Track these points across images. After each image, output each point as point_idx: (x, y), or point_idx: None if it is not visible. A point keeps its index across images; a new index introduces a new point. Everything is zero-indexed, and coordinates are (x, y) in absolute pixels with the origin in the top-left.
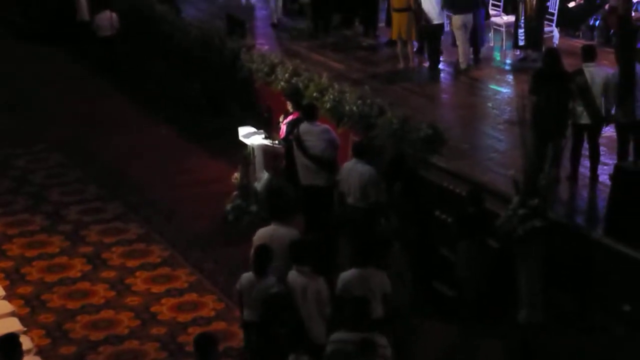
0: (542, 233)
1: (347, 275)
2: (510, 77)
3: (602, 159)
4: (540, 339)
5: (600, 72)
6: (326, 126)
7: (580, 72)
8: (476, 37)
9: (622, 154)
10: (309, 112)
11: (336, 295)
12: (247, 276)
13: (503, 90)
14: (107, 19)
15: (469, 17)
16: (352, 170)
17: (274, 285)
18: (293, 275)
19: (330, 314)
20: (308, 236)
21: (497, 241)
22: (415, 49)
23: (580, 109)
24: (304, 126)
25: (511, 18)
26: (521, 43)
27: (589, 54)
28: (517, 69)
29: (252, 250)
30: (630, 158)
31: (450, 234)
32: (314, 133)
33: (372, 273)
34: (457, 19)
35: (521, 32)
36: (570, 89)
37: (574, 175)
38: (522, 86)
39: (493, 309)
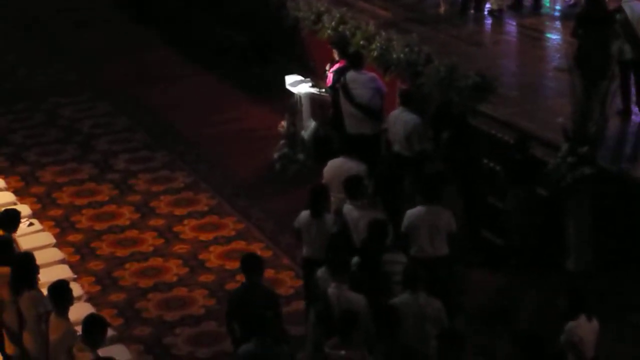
0: (591, 181)
1: (413, 211)
2: (558, 24)
3: None
4: (589, 288)
5: (638, 6)
6: (373, 74)
7: (619, 9)
8: None
9: None
10: (355, 60)
11: (401, 231)
12: (305, 214)
13: (552, 37)
14: None
15: None
16: (398, 118)
17: (332, 224)
18: (348, 208)
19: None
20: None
21: (546, 189)
22: None
23: (626, 46)
24: (350, 74)
25: None
26: None
27: None
28: (567, 15)
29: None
30: None
31: (499, 182)
32: (360, 81)
33: (438, 210)
34: None
35: None
36: (612, 29)
37: (626, 110)
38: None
39: (542, 257)
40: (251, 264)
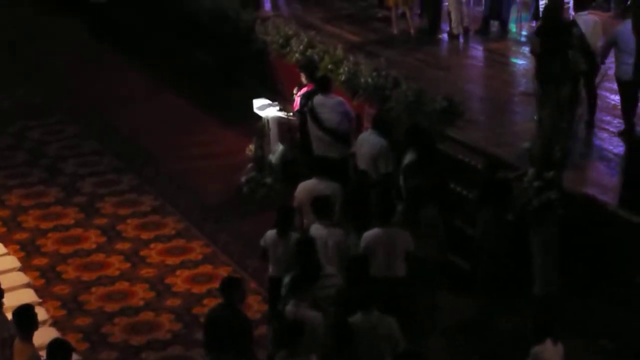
0: (557, 205)
1: (370, 233)
2: (525, 49)
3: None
4: (555, 311)
5: (590, 20)
6: (340, 98)
7: (574, 22)
8: (501, 10)
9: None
10: (323, 84)
11: (360, 252)
12: (271, 233)
13: (519, 62)
14: None
15: None
16: (365, 141)
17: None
18: (315, 227)
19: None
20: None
21: (513, 213)
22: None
23: (580, 58)
24: (318, 98)
25: None
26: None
27: (580, 4)
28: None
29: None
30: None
31: (469, 205)
32: (328, 105)
33: (395, 232)
34: None
35: (542, 4)
36: (569, 40)
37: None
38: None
39: (509, 281)
40: (231, 286)
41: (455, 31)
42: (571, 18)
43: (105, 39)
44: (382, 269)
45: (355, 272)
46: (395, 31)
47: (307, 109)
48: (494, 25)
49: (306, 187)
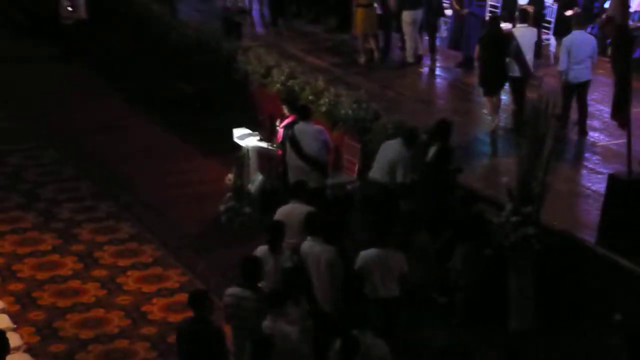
0: (535, 241)
1: (366, 253)
2: (506, 85)
3: (596, 167)
4: (530, 347)
5: (528, 33)
6: (321, 127)
7: (512, 35)
8: (469, 44)
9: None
10: (304, 112)
11: (355, 270)
12: (262, 249)
13: (500, 97)
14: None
15: (419, 14)
16: (389, 146)
17: (287, 259)
18: (307, 245)
19: (343, 284)
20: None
21: (490, 248)
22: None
23: (515, 65)
24: (299, 126)
25: (508, 26)
26: None
27: (523, 18)
28: None
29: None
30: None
31: (445, 240)
32: (309, 133)
33: (391, 253)
34: (408, 15)
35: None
36: (507, 50)
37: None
38: (516, 94)
39: (484, 315)
40: (200, 299)
41: (409, 59)
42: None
43: (85, 65)
44: (379, 289)
45: (350, 292)
46: (362, 60)
47: (288, 137)
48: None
49: (284, 211)
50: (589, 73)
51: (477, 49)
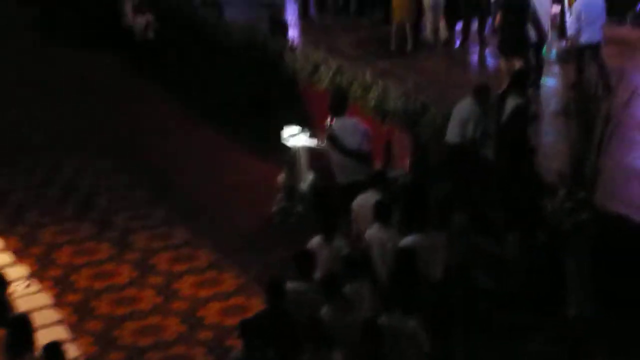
0: (590, 225)
1: (410, 239)
2: (555, 69)
3: None
4: (591, 333)
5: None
6: (355, 118)
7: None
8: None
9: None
10: (335, 109)
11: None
12: (317, 239)
13: (549, 81)
14: (143, 22)
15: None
16: (461, 106)
17: (341, 247)
18: (373, 230)
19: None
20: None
21: (545, 234)
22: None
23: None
24: (337, 122)
25: (556, 8)
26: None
27: None
28: (563, 59)
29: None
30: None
31: (499, 227)
32: (347, 128)
33: (435, 236)
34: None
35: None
36: (527, 15)
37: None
38: (568, 77)
39: (541, 302)
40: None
41: (430, 38)
42: None
43: (137, 71)
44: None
45: (402, 267)
46: (392, 47)
47: (328, 136)
48: None
49: (361, 199)
50: (600, 34)
51: (498, 15)
